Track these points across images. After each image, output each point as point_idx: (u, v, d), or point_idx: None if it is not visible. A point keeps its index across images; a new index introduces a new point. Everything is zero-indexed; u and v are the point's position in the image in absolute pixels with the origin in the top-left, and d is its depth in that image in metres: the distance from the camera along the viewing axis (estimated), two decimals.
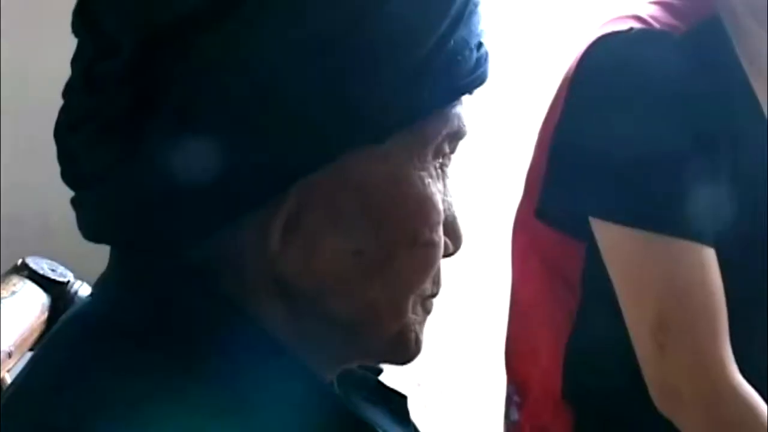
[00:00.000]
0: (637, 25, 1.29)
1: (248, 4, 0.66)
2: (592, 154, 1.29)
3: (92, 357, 0.69)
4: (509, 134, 2.48)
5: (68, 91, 0.72)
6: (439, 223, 0.73)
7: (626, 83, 1.27)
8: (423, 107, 0.71)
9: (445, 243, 0.75)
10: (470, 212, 2.50)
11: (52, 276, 1.30)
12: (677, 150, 1.24)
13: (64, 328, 0.76)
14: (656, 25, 1.30)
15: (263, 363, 0.69)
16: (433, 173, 0.74)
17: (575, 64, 1.33)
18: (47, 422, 0.67)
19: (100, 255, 0.76)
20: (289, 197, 0.69)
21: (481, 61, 0.74)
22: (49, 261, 1.32)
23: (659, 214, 1.26)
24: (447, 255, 0.76)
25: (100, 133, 0.69)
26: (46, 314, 1.28)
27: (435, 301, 0.78)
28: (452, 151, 0.76)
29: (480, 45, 0.74)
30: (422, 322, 0.77)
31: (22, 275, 1.30)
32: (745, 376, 1.27)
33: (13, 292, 1.25)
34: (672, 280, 1.27)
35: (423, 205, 0.72)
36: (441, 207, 0.73)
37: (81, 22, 0.71)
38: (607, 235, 1.29)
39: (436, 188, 0.73)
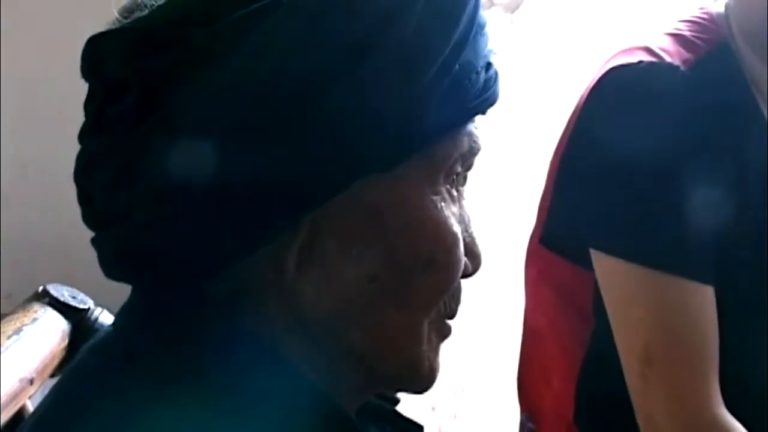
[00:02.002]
0: (646, 57, 1.30)
1: (250, 41, 0.67)
2: (593, 184, 1.30)
3: (114, 390, 0.70)
4: (529, 160, 2.50)
5: (83, 134, 0.73)
6: (455, 245, 0.73)
7: (632, 116, 1.27)
8: (430, 132, 0.71)
9: (467, 263, 0.76)
10: (488, 235, 2.52)
11: (73, 303, 1.31)
12: (680, 186, 1.25)
13: (86, 359, 0.76)
14: (666, 57, 1.30)
15: (286, 394, 0.70)
16: (446, 196, 0.74)
17: (585, 94, 1.35)
18: None
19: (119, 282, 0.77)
20: (301, 228, 0.70)
21: (490, 83, 0.74)
22: (69, 288, 1.33)
23: (655, 249, 1.26)
24: (465, 276, 0.76)
25: (115, 175, 0.70)
26: (66, 341, 1.29)
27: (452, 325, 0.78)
28: (468, 169, 0.77)
29: (489, 66, 0.75)
30: (437, 349, 0.77)
31: (43, 302, 1.31)
32: (752, 384, 1.28)
33: (35, 319, 1.26)
34: (661, 315, 1.27)
35: (436, 228, 0.73)
36: (456, 229, 0.74)
37: (88, 67, 0.72)
38: (603, 265, 1.30)
39: (449, 211, 0.74)
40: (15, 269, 1.78)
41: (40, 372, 1.22)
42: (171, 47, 0.68)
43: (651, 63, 1.29)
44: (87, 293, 1.33)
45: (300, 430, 0.70)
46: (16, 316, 1.26)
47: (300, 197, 0.69)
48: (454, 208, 0.75)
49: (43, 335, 1.26)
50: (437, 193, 0.73)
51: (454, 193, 0.75)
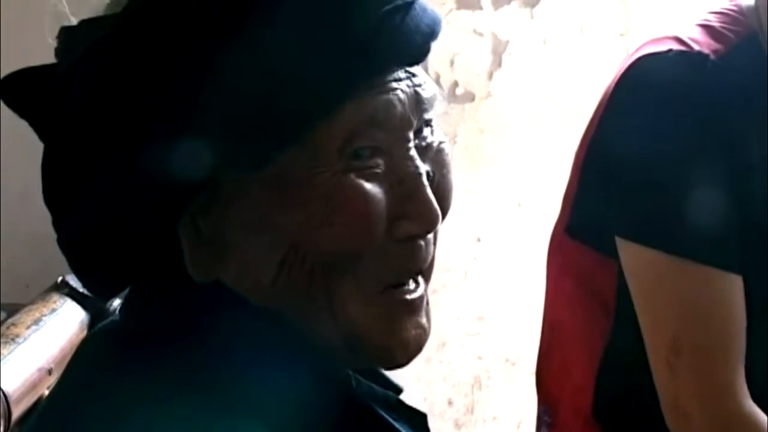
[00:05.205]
0: (676, 46, 1.30)
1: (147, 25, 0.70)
2: (620, 172, 1.30)
3: (118, 365, 0.72)
4: (551, 154, 2.49)
5: None
6: (345, 212, 0.70)
7: (661, 105, 1.27)
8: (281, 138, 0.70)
9: (405, 225, 0.72)
10: (507, 228, 2.52)
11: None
12: (707, 175, 1.25)
13: (90, 342, 0.79)
14: (695, 47, 1.30)
15: (272, 352, 0.71)
16: (351, 165, 0.71)
17: (613, 83, 1.35)
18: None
19: None
20: (184, 232, 0.71)
21: (370, 44, 0.70)
22: None
23: (682, 237, 1.26)
24: (415, 237, 0.73)
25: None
26: (85, 331, 1.30)
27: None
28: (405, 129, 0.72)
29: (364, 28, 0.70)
30: (400, 320, 0.74)
31: (62, 293, 1.32)
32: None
33: (54, 310, 1.27)
34: (689, 305, 1.27)
35: (324, 200, 0.70)
36: (351, 196, 0.70)
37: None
38: (630, 254, 1.30)
39: (350, 184, 0.71)
40: (34, 260, 1.78)
41: (58, 362, 1.23)
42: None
43: (681, 52, 1.29)
44: None
45: (291, 388, 0.70)
46: (35, 306, 1.27)
47: (178, 184, 0.70)
48: (356, 178, 0.71)
49: (62, 326, 1.27)
50: (328, 168, 0.70)
51: (368, 161, 0.71)
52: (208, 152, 0.69)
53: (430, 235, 0.75)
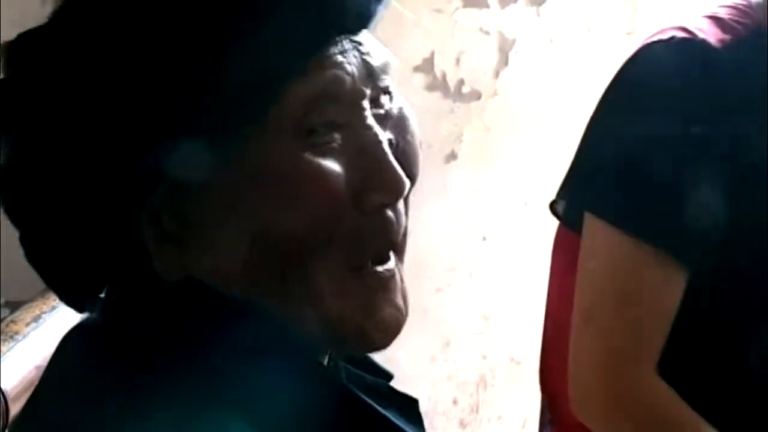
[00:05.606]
0: (679, 34, 1.30)
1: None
2: (602, 152, 1.30)
3: (97, 365, 0.72)
4: (556, 153, 2.48)
5: None
6: (304, 192, 0.70)
7: (659, 89, 1.27)
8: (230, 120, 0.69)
9: (372, 196, 0.71)
10: (513, 227, 2.51)
11: None
12: (690, 163, 1.24)
13: (73, 340, 0.77)
14: (700, 35, 1.30)
15: (253, 345, 0.70)
16: (306, 143, 0.70)
17: (618, 71, 1.35)
18: None
19: None
20: (149, 227, 0.70)
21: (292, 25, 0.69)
22: None
23: (637, 215, 1.25)
24: (386, 204, 0.72)
25: None
26: None
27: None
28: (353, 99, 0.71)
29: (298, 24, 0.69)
30: (375, 300, 0.73)
31: None
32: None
33: (54, 308, 1.27)
34: (617, 278, 1.26)
35: (283, 182, 0.70)
36: (310, 175, 0.70)
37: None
38: (587, 227, 1.29)
39: (306, 162, 0.70)
40: None
41: None
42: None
43: (683, 39, 1.29)
44: None
45: (278, 381, 0.70)
46: (35, 303, 1.26)
47: (122, 203, 0.69)
48: (312, 156, 0.70)
49: (62, 323, 1.26)
50: (288, 148, 0.70)
51: (327, 137, 0.71)
52: (162, 149, 0.68)
53: (401, 206, 0.74)
